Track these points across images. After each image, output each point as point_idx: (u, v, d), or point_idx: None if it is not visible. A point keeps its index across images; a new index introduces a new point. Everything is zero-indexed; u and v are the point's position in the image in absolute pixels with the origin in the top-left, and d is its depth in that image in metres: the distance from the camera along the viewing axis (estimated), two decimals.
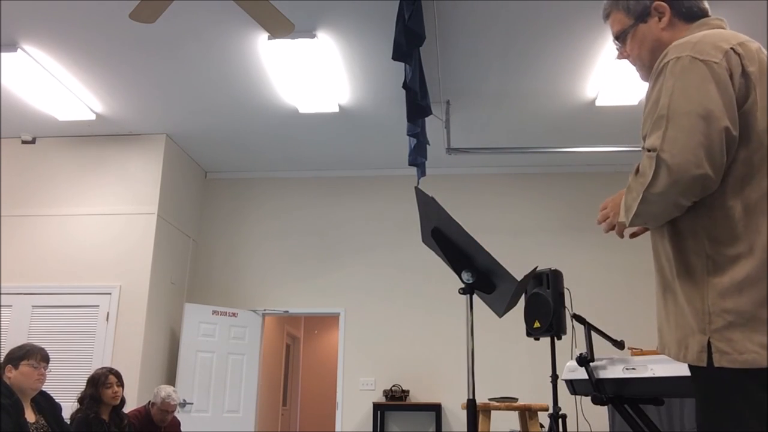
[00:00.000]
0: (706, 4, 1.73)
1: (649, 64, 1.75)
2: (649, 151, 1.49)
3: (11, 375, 3.31)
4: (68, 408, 3.90)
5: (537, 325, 4.01)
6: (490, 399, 4.57)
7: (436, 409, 6.50)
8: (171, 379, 6.52)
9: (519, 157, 7.10)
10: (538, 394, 6.63)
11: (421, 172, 5.13)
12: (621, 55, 1.84)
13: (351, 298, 7.10)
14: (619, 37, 1.80)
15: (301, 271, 7.23)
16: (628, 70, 5.23)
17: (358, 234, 7.30)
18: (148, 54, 5.21)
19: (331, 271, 7.21)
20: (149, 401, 4.72)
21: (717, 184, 1.47)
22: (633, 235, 1.86)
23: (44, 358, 3.44)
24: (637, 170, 1.54)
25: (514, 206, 7.27)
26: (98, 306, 6.13)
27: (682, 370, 2.69)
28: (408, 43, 4.21)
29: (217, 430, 6.47)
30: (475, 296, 2.48)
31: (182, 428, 4.93)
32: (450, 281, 7.02)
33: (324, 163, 7.35)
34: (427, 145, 5.22)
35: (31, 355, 3.39)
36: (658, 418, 4.90)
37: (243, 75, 5.49)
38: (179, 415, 6.17)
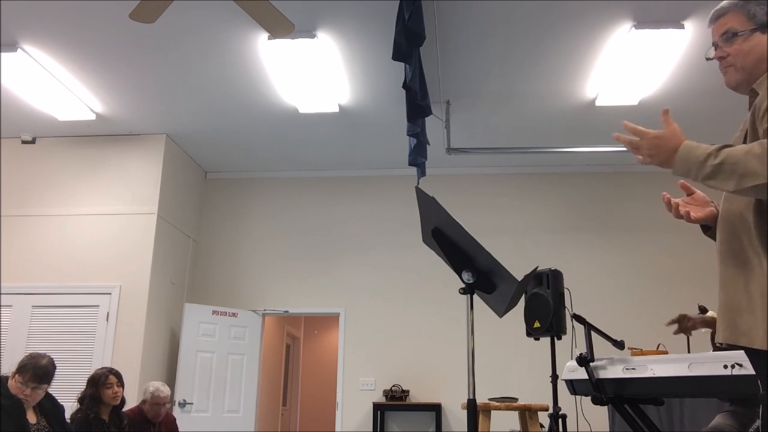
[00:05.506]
0: None
1: (749, 69, 1.78)
2: None
3: (11, 382, 3.32)
4: (68, 408, 3.90)
5: (537, 325, 4.02)
6: (490, 399, 4.58)
7: (436, 409, 6.50)
8: (171, 379, 6.52)
9: (519, 157, 7.10)
10: (538, 394, 6.63)
11: (421, 172, 5.13)
12: (717, 54, 1.84)
13: (351, 298, 7.10)
14: (729, 36, 1.81)
15: (301, 271, 7.23)
16: (627, 71, 5.24)
17: (358, 234, 7.30)
18: (148, 54, 5.21)
19: (330, 271, 7.21)
20: (141, 399, 4.72)
21: None
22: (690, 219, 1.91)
23: (35, 378, 3.32)
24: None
25: (514, 206, 7.27)
26: (98, 306, 6.13)
27: (681, 370, 2.69)
28: (408, 43, 4.21)
29: (217, 430, 6.47)
30: (475, 296, 2.48)
31: (182, 428, 4.93)
32: (450, 281, 7.02)
33: (324, 163, 7.34)
34: (427, 145, 5.22)
35: (23, 372, 3.32)
36: (658, 418, 4.90)
37: (243, 75, 5.49)
38: (178, 414, 6.18)
